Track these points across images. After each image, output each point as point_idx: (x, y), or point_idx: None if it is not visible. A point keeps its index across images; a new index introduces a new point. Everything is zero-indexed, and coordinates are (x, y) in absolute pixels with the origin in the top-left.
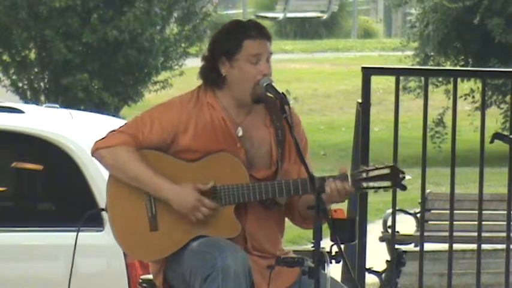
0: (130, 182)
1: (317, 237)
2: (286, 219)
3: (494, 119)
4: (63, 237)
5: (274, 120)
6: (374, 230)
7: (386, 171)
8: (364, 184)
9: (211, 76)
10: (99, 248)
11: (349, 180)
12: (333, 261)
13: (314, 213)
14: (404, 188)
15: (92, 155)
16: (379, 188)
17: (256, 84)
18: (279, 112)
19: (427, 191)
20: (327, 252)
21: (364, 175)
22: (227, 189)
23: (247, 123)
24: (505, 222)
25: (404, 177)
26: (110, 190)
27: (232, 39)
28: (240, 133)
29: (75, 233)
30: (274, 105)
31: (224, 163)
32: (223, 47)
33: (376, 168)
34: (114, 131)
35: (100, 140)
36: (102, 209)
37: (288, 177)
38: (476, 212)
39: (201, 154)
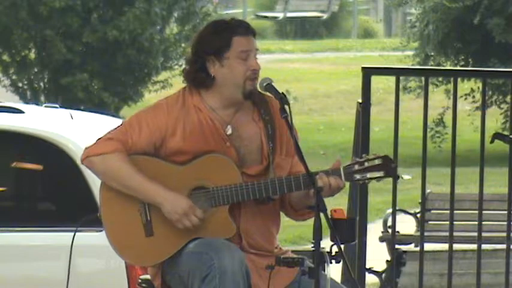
0: (122, 190)
1: (317, 238)
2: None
3: (495, 119)
4: (63, 238)
5: (263, 114)
6: (374, 230)
7: (378, 161)
8: (357, 176)
9: (199, 77)
10: (99, 248)
11: (342, 173)
12: (333, 261)
13: (306, 205)
14: (397, 176)
15: (82, 163)
16: (373, 178)
17: (246, 80)
18: (267, 106)
19: (427, 191)
20: (327, 252)
21: (356, 167)
22: (221, 191)
23: (236, 121)
24: (505, 222)
25: (396, 166)
26: (103, 198)
27: (221, 38)
28: (229, 131)
29: (75, 233)
30: (262, 100)
31: (215, 164)
32: (212, 46)
33: (368, 160)
34: (102, 137)
35: (89, 147)
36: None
37: (280, 170)
38: (476, 212)
39: (191, 156)
